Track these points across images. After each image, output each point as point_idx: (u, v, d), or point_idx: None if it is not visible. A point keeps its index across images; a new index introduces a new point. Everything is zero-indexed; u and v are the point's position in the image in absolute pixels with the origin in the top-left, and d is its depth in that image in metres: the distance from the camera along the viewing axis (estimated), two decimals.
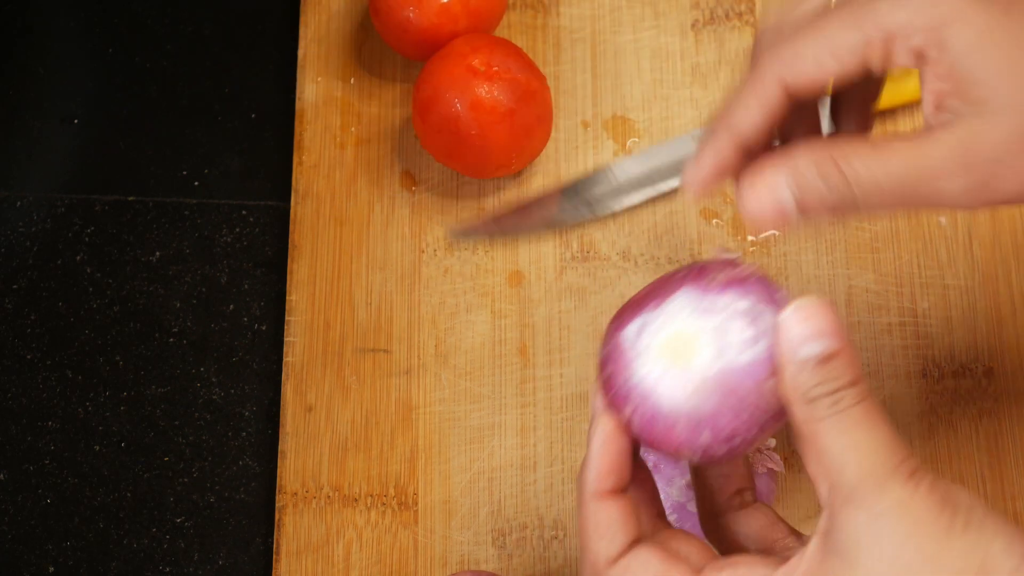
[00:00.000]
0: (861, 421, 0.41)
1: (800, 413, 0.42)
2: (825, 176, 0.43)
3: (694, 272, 0.45)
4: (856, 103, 0.49)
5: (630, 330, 0.45)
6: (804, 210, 0.43)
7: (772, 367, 0.43)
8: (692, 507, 0.61)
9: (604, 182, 0.68)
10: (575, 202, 0.68)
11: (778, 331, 0.42)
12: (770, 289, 0.44)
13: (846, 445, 0.41)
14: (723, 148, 0.45)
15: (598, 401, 0.45)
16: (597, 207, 0.68)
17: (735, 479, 0.47)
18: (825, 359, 0.41)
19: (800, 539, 0.46)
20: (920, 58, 0.43)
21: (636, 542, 0.44)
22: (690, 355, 0.43)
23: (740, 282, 0.44)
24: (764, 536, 0.47)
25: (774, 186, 0.44)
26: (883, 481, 0.40)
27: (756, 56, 0.46)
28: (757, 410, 0.43)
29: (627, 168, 0.69)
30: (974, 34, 0.42)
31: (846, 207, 0.43)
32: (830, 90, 0.49)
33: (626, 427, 0.45)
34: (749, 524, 0.47)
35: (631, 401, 0.44)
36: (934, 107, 0.43)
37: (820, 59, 0.43)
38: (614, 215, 0.68)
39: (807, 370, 0.41)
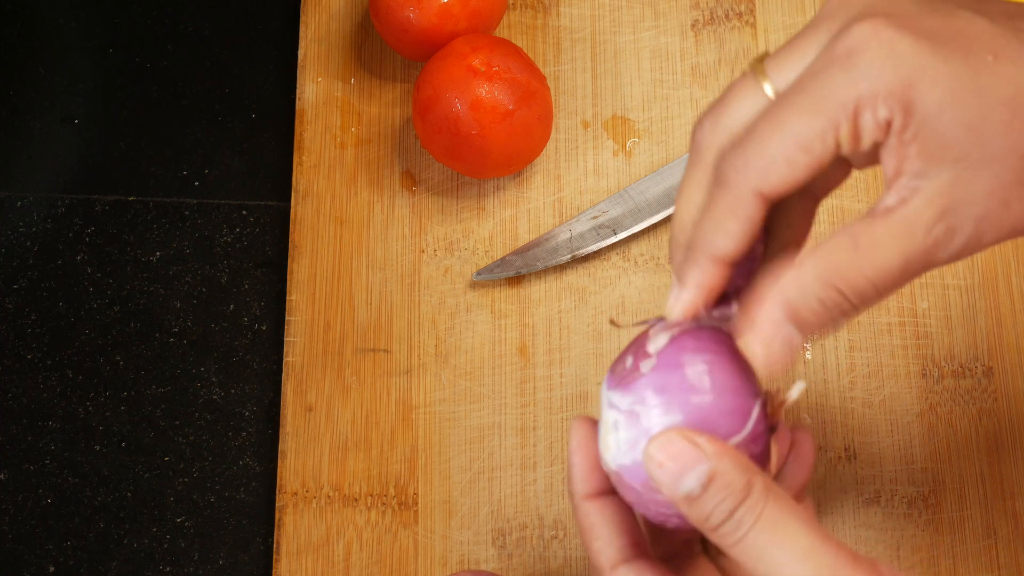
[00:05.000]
0: (770, 535, 0.39)
1: (713, 540, 0.41)
2: (824, 301, 0.40)
3: (629, 346, 0.45)
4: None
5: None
6: (807, 333, 0.41)
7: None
8: None
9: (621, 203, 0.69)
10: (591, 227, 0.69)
11: (649, 474, 0.41)
12: (670, 375, 0.42)
13: (770, 564, 0.39)
14: (707, 274, 0.42)
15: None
16: (616, 229, 0.69)
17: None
18: (704, 488, 0.40)
19: None
20: (886, 128, 0.39)
21: (638, 553, 0.44)
22: (606, 443, 0.43)
23: (629, 377, 0.43)
24: None
25: (776, 329, 0.41)
26: None
27: (702, 155, 0.42)
28: (661, 504, 0.43)
29: (643, 189, 0.70)
30: (942, 92, 0.38)
31: (849, 317, 0.41)
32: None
33: None
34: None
35: None
36: (895, 172, 0.39)
37: (791, 157, 0.39)
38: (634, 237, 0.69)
39: (694, 505, 0.40)
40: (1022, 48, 0.39)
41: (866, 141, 0.39)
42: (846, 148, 0.40)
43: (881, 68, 0.38)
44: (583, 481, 0.45)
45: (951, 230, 0.39)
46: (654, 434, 0.41)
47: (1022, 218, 0.40)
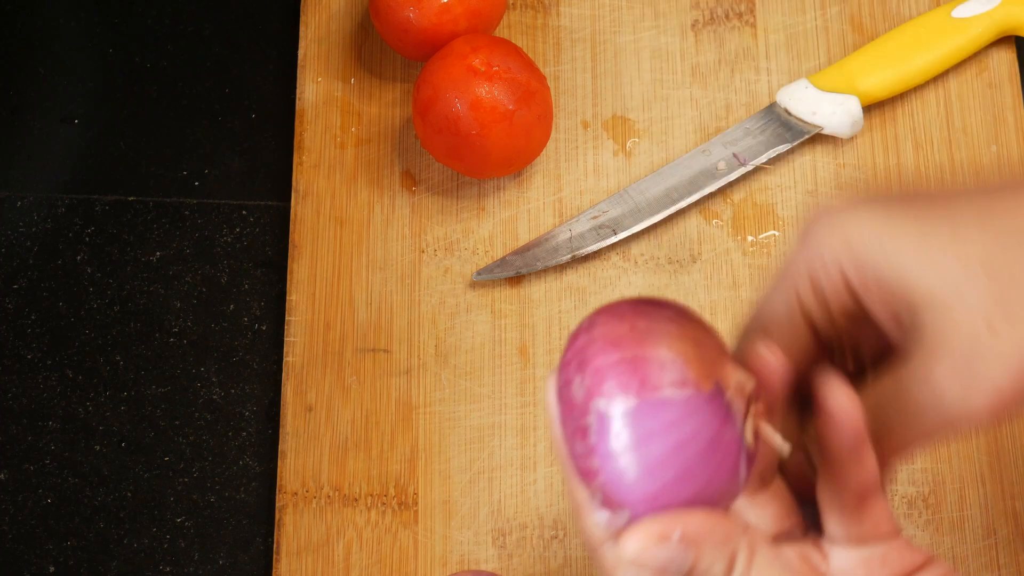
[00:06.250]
0: None
1: None
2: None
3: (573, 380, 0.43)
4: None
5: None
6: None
7: None
8: None
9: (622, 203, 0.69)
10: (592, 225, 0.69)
11: None
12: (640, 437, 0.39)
13: None
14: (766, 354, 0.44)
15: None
16: (617, 228, 0.68)
17: None
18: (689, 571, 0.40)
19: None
20: (848, 287, 0.42)
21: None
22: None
23: (589, 440, 0.40)
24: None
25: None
26: None
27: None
28: None
29: (643, 189, 0.70)
30: (877, 228, 0.41)
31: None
32: None
33: None
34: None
35: None
36: (901, 345, 0.42)
37: (781, 316, 0.44)
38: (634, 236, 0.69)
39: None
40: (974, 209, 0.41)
41: (834, 301, 0.43)
42: (812, 308, 0.43)
43: (828, 235, 0.42)
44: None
45: (952, 369, 0.40)
46: (633, 523, 0.40)
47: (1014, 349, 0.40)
